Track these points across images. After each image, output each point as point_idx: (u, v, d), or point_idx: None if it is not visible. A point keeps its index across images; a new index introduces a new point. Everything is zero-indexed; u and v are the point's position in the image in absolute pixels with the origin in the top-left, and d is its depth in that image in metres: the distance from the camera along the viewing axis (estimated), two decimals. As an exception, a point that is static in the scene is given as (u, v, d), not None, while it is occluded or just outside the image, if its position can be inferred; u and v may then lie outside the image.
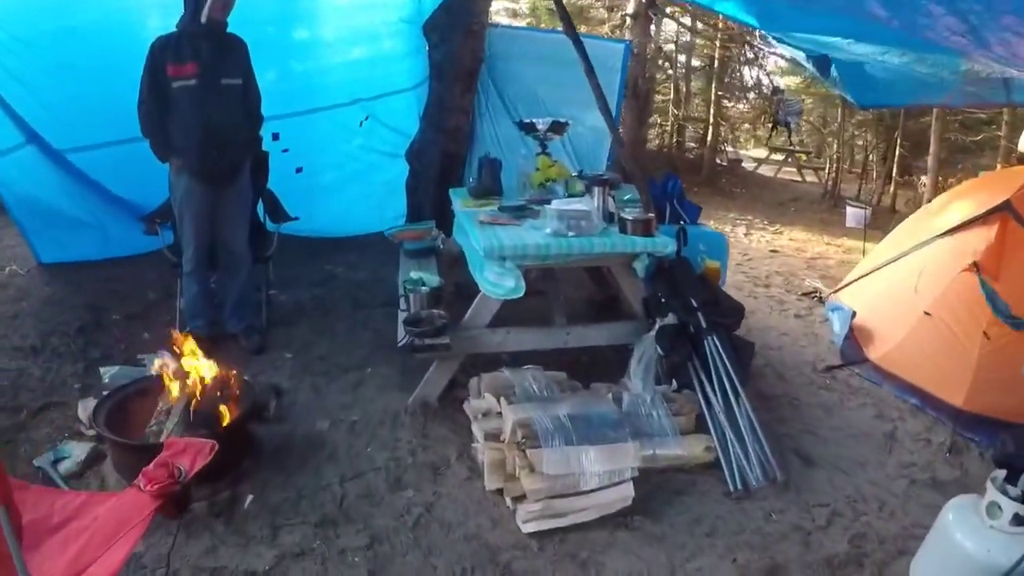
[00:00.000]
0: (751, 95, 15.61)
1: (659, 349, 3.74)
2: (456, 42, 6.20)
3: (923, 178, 12.46)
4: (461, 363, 3.88)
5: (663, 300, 3.92)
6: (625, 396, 3.63)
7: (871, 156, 14.64)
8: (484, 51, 6.48)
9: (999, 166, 9.97)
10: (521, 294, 3.51)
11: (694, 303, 3.90)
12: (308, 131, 6.11)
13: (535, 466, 3.00)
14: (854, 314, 5.33)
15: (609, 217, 3.98)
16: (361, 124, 6.45)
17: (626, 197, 4.52)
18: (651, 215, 3.81)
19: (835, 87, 6.25)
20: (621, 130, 7.07)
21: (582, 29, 13.14)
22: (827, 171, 13.59)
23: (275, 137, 5.53)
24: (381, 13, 6.07)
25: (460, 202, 4.59)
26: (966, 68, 4.62)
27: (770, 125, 14.35)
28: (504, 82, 6.74)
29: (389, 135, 6.65)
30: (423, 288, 3.87)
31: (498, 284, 3.51)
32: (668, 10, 12.63)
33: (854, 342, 5.18)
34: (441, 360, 3.74)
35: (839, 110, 13.06)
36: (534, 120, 5.02)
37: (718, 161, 14.97)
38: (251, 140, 4.45)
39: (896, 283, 5.30)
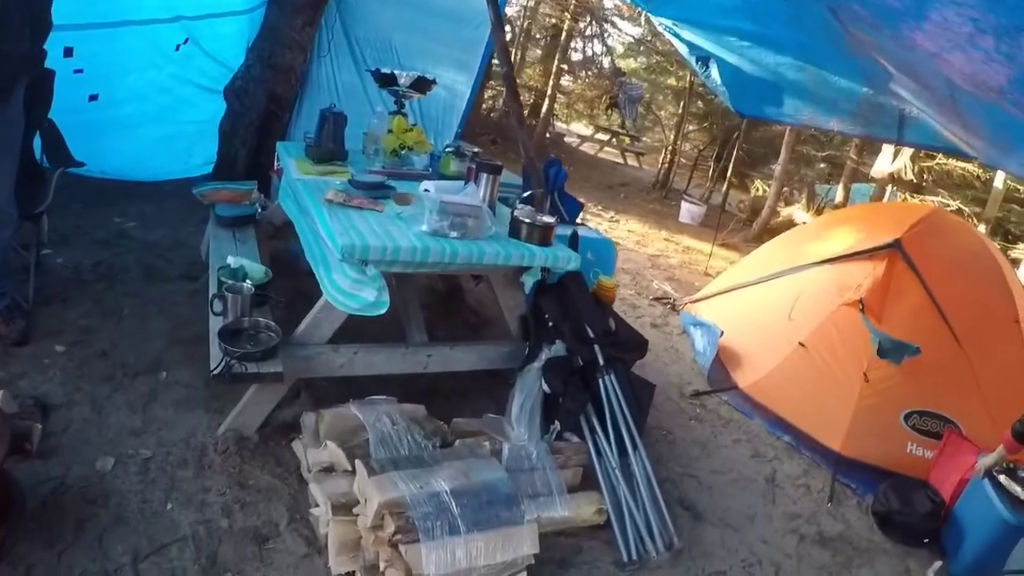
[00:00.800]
0: (590, 73, 15.12)
1: (546, 387, 2.99)
2: (305, -38, 5.13)
3: (758, 182, 12.50)
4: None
5: (551, 323, 3.18)
6: (505, 447, 2.83)
7: (704, 151, 14.56)
8: None
9: (841, 186, 10.01)
10: (384, 310, 2.63)
11: (589, 331, 3.19)
12: (111, 49, 4.81)
13: (412, 568, 2.17)
14: (721, 333, 4.97)
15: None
16: (178, 48, 5.18)
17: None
18: (551, 220, 3.01)
19: (715, 90, 5.85)
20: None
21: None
22: (661, 161, 13.32)
23: (67, 53, 4.36)
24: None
25: (295, 164, 3.58)
26: (864, 95, 4.31)
27: (608, 107, 14.03)
28: (354, 21, 5.67)
29: (209, 65, 5.46)
30: (246, 286, 2.88)
31: (353, 295, 2.60)
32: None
33: (720, 365, 4.86)
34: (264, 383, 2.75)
35: (681, 102, 12.75)
36: (395, 72, 4.09)
37: (547, 135, 14.38)
38: (31, 53, 3.06)
39: (766, 305, 5.05)
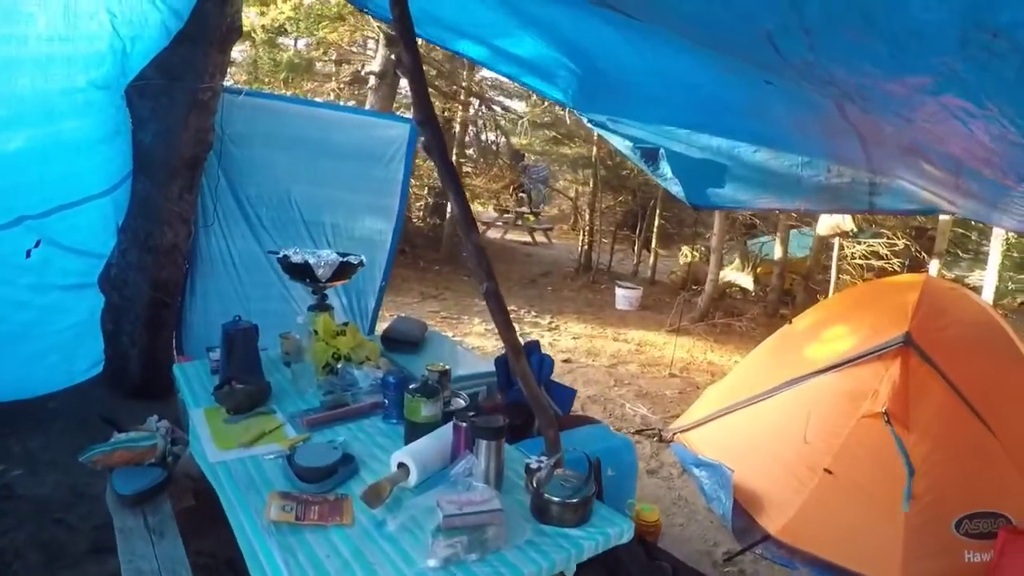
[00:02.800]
0: (492, 164, 14.49)
1: None
2: (175, 117, 4.24)
3: (684, 248, 11.98)
4: None
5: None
6: None
7: (620, 226, 14.02)
8: (214, 131, 4.49)
9: (778, 239, 9.47)
10: None
11: None
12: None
13: None
14: (732, 472, 4.26)
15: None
16: (29, 254, 4.15)
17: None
18: (592, 489, 2.15)
19: (664, 182, 5.19)
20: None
21: (307, 87, 11.42)
22: (580, 242, 12.66)
23: None
24: (59, 72, 3.77)
25: (205, 424, 2.66)
26: (828, 168, 3.79)
27: (516, 194, 13.44)
28: (242, 178, 4.78)
29: (74, 261, 4.43)
30: None
31: None
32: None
33: (741, 511, 4.13)
34: None
35: (592, 178, 12.19)
36: (307, 259, 3.23)
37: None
38: None
39: (772, 429, 4.42)
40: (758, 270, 10.41)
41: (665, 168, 4.75)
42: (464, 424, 2.22)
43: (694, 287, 10.05)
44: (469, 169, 14.25)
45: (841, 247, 8.52)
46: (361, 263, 3.37)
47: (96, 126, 4.07)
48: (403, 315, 4.62)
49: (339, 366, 3.06)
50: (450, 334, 7.82)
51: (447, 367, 2.83)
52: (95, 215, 4.34)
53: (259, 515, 2.03)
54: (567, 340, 8.31)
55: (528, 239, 15.28)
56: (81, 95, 3.90)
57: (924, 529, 3.53)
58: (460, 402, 2.66)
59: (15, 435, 4.14)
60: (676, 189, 5.22)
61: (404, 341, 4.01)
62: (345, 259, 3.30)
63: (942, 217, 8.06)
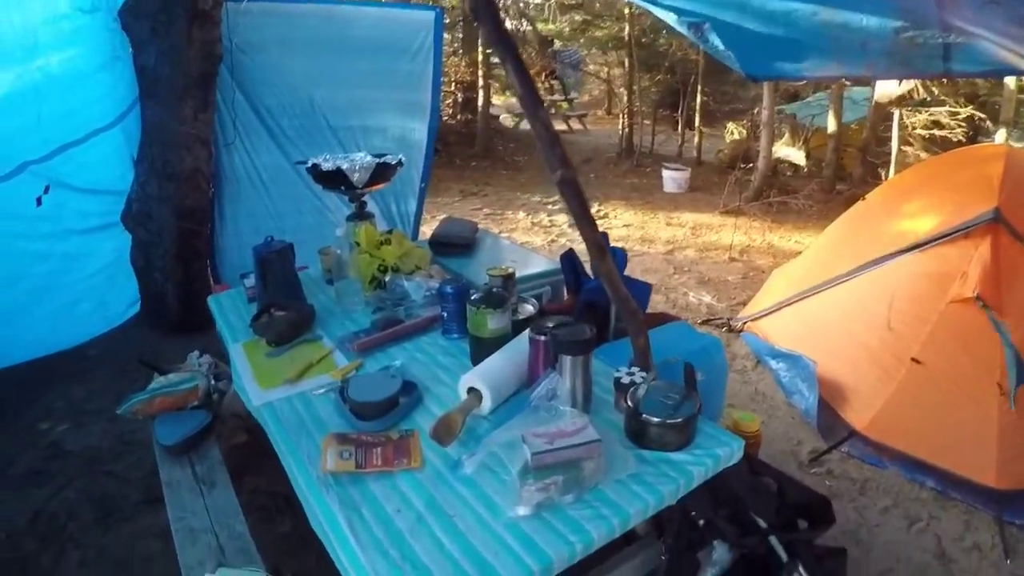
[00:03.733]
0: (526, 49, 13.81)
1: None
2: (177, 34, 3.84)
3: (730, 125, 11.38)
4: None
5: (700, 521, 2.02)
6: None
7: (660, 105, 13.35)
8: (222, 42, 4.08)
9: (831, 109, 8.84)
10: None
11: (759, 520, 2.04)
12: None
13: None
14: (815, 364, 3.92)
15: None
16: (40, 201, 3.86)
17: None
18: (697, 405, 1.81)
19: (716, 55, 4.71)
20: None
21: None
22: (620, 125, 12.09)
23: None
24: (39, 2, 3.50)
25: (246, 361, 2.36)
26: (897, 28, 3.27)
27: (548, 81, 12.84)
28: (259, 88, 4.39)
29: (91, 202, 4.15)
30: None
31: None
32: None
33: (824, 406, 3.80)
34: None
35: (628, 58, 11.52)
36: (340, 165, 2.88)
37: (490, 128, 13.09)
38: None
39: (852, 314, 4.06)
40: (810, 144, 9.81)
41: (715, 40, 4.30)
42: (543, 337, 1.88)
43: (743, 165, 9.51)
44: (497, 60, 13.56)
45: (901, 117, 7.89)
46: (400, 162, 3.01)
47: (90, 54, 3.75)
48: (449, 216, 4.25)
49: (387, 279, 2.73)
50: (496, 231, 7.49)
51: (511, 270, 2.49)
52: (105, 150, 4.03)
53: (314, 464, 1.74)
54: (618, 228, 7.95)
55: (564, 127, 14.61)
56: (66, 23, 3.59)
57: (1019, 426, 3.21)
58: (529, 308, 2.32)
59: (56, 389, 3.95)
60: (731, 60, 4.77)
61: (455, 244, 3.64)
62: (382, 160, 2.94)
63: (1007, 84, 7.38)
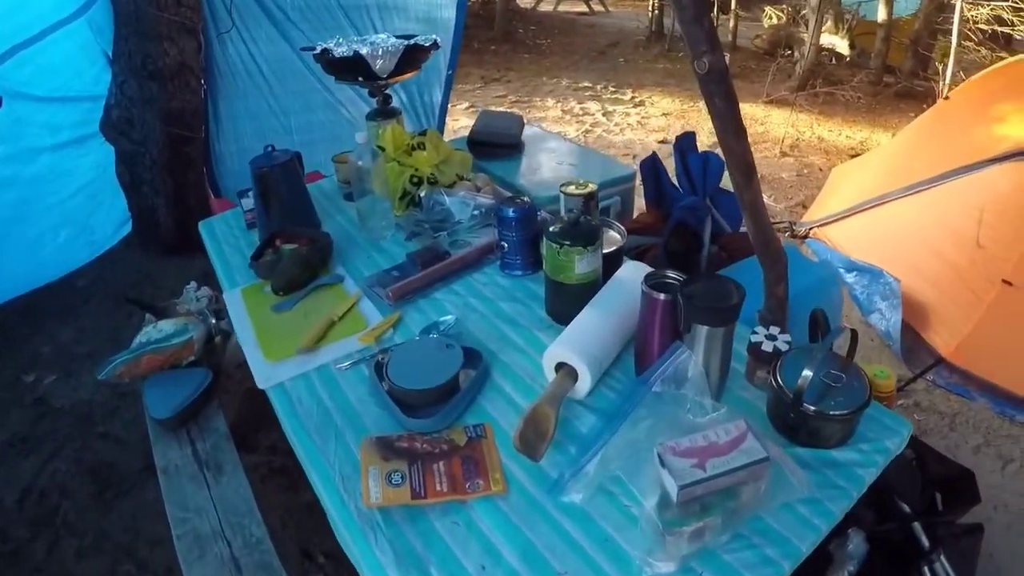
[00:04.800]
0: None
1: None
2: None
3: (768, 9, 10.50)
4: None
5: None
6: None
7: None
8: None
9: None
10: None
11: (902, 505, 1.64)
12: None
13: None
14: (898, 282, 3.44)
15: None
16: None
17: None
18: (861, 375, 1.26)
19: None
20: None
21: None
22: (650, 5, 11.19)
23: None
24: None
25: (247, 319, 1.81)
26: None
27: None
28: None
29: (59, 112, 3.48)
30: None
31: None
32: None
33: (907, 328, 3.35)
34: None
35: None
36: (358, 50, 2.27)
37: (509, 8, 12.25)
38: None
39: (935, 227, 3.63)
40: (854, 32, 8.99)
41: None
42: (664, 296, 1.30)
43: (784, 52, 8.71)
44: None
45: (962, 10, 7.05)
46: (436, 44, 2.38)
47: None
48: (486, 109, 3.60)
49: (422, 195, 2.14)
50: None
51: (593, 186, 1.82)
52: (68, 48, 3.36)
53: (351, 489, 1.20)
54: (657, 117, 7.28)
55: (584, 8, 13.75)
56: None
57: None
58: (615, 236, 1.75)
59: (43, 331, 3.46)
60: None
61: (499, 144, 3.00)
62: (411, 42, 2.32)
63: None
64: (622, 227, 1.76)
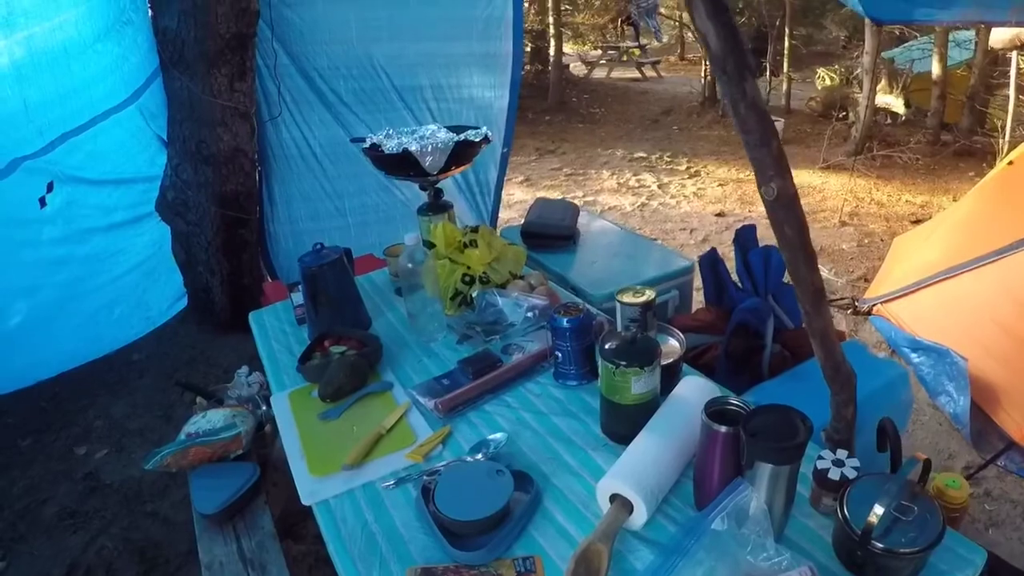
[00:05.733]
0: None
1: None
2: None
3: (821, 71, 10.48)
4: None
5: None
6: None
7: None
8: None
9: (935, 54, 7.91)
10: None
11: None
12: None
13: None
14: (966, 361, 3.30)
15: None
16: (44, 202, 3.26)
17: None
18: (934, 506, 1.16)
19: None
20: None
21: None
22: (703, 72, 11.24)
23: None
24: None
25: (294, 428, 1.76)
26: None
27: (622, 28, 12.05)
28: (307, 47, 3.73)
29: (112, 195, 3.57)
30: None
31: None
32: None
33: (977, 411, 3.21)
34: None
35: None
36: (408, 147, 2.25)
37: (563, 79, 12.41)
38: None
39: (1004, 302, 3.41)
40: (909, 90, 8.88)
41: None
42: (724, 429, 1.23)
43: (838, 114, 8.63)
44: (569, 7, 12.91)
45: (1019, 63, 6.92)
46: (486, 139, 2.36)
47: (88, 20, 3.11)
48: (543, 198, 3.59)
49: (474, 294, 2.10)
50: (580, 194, 6.94)
51: (652, 294, 1.74)
52: (120, 133, 3.45)
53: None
54: (713, 188, 7.23)
55: (637, 75, 13.96)
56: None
57: None
58: (674, 344, 1.69)
59: (96, 404, 3.50)
60: (852, 3, 4.13)
61: (553, 236, 2.98)
62: (462, 137, 2.30)
63: None
64: (681, 335, 1.70)
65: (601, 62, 14.11)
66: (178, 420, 3.00)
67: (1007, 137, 6.41)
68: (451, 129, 2.42)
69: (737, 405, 1.28)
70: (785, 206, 1.17)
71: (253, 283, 3.82)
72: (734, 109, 1.08)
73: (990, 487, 2.91)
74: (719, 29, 1.01)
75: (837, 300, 4.45)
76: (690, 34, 14.13)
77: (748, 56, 1.04)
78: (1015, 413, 3.10)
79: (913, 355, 3.65)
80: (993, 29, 6.73)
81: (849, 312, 4.29)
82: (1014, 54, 6.69)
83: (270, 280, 4.00)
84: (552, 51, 11.34)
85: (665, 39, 15.98)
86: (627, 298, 1.72)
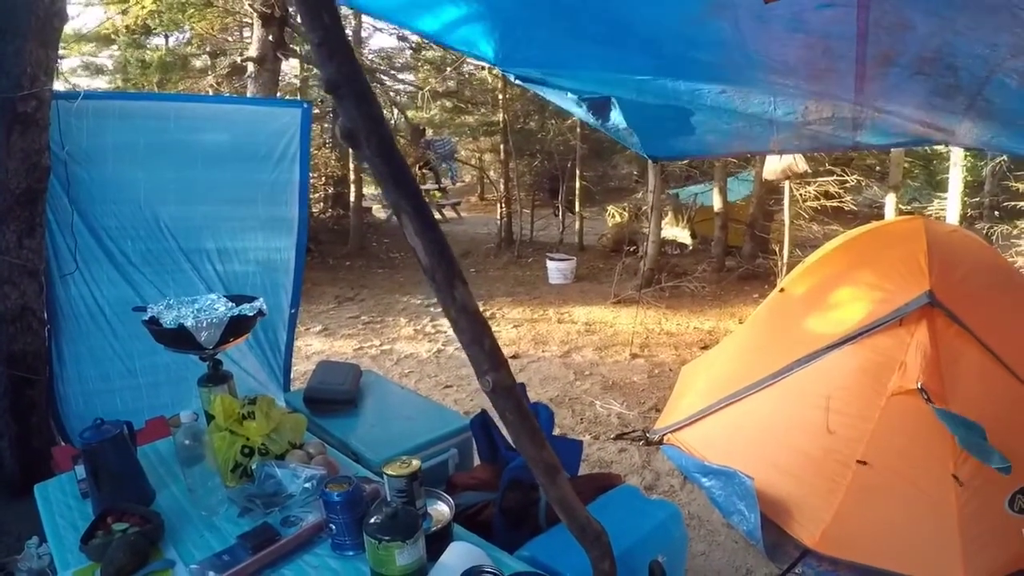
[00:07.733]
0: (397, 139, 13.41)
1: None
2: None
3: (611, 208, 11.26)
4: None
5: None
6: None
7: (536, 193, 13.11)
8: (51, 151, 3.42)
9: (716, 188, 8.80)
10: None
11: None
12: None
13: None
14: (752, 480, 3.59)
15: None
16: None
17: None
18: None
19: (617, 135, 4.51)
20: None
21: (182, 86, 10.16)
22: (498, 213, 11.76)
23: None
24: None
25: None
26: (807, 105, 3.26)
27: (422, 172, 12.49)
28: (96, 206, 3.68)
29: None
30: None
31: None
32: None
33: (767, 523, 3.49)
34: None
35: (503, 144, 11.27)
36: (183, 322, 2.31)
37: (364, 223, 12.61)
38: None
39: (786, 421, 3.81)
40: (694, 222, 9.74)
41: (618, 119, 4.06)
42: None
43: (628, 249, 9.31)
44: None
45: (791, 190, 7.85)
46: (261, 312, 2.45)
47: None
48: (326, 360, 3.68)
49: (253, 466, 2.15)
50: (377, 343, 6.95)
51: (417, 464, 1.84)
52: None
53: None
54: (508, 329, 7.46)
55: (438, 216, 14.27)
56: None
57: (979, 516, 3.08)
58: (442, 509, 1.81)
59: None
60: (632, 141, 4.57)
61: (334, 400, 3.08)
62: (237, 312, 2.39)
63: (893, 151, 7.48)
64: (450, 500, 1.82)
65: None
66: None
67: (785, 259, 7.10)
68: (231, 299, 2.50)
69: (491, 572, 1.41)
70: (503, 395, 1.32)
71: (44, 446, 3.62)
72: (446, 313, 1.24)
73: (796, 590, 3.12)
74: (427, 245, 1.17)
75: (629, 433, 4.70)
76: (489, 175, 14.78)
77: (456, 266, 1.21)
78: (807, 522, 3.38)
79: (704, 479, 3.92)
80: (766, 161, 7.59)
81: (641, 444, 4.53)
82: (786, 183, 7.56)
83: (62, 443, 3.81)
84: (352, 196, 11.50)
85: (468, 178, 16.71)
86: (393, 470, 1.81)
